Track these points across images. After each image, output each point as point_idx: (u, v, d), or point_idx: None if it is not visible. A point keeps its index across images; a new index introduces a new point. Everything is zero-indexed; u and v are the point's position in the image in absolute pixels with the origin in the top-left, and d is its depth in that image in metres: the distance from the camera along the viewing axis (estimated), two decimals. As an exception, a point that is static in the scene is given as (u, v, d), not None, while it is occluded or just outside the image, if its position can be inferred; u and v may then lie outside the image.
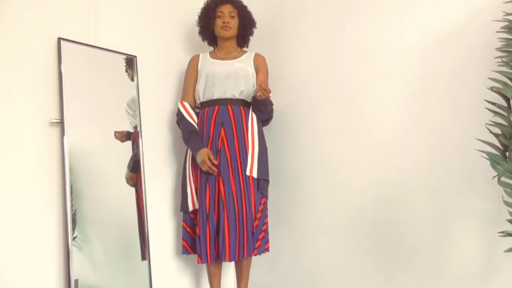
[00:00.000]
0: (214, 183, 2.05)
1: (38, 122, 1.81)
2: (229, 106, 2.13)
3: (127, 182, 2.06)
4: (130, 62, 2.16)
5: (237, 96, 2.15)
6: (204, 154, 2.02)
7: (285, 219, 2.35)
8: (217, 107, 2.12)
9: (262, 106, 2.12)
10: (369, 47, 2.07)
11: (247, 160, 2.08)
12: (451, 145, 1.81)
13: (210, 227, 2.03)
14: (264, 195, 2.14)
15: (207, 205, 2.04)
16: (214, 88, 2.13)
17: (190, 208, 2.10)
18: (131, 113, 2.11)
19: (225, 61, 2.21)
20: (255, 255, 2.07)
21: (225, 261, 2.01)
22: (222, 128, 2.10)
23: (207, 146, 2.08)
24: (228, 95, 2.13)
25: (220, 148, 2.08)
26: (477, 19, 1.74)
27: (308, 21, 2.31)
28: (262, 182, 2.12)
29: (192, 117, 2.14)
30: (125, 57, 2.13)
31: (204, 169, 2.02)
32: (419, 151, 1.90)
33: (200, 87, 2.16)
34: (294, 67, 2.36)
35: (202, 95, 2.16)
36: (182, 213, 2.15)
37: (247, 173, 2.07)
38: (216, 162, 2.03)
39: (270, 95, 2.13)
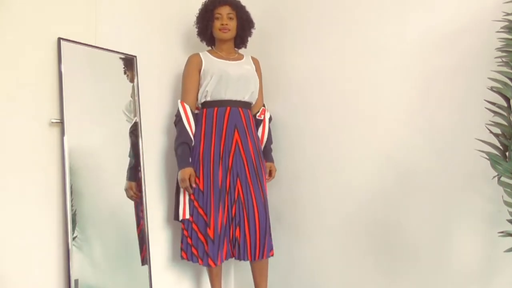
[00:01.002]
0: (235, 184, 2.06)
1: (38, 122, 1.81)
2: (239, 109, 2.13)
3: (127, 194, 2.04)
4: (130, 63, 2.15)
5: (246, 98, 2.16)
6: (187, 173, 2.01)
7: (285, 219, 2.36)
8: (228, 108, 2.11)
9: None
10: (368, 48, 2.07)
11: (264, 184, 2.15)
12: (451, 145, 1.81)
13: (222, 227, 2.02)
14: None
15: (220, 206, 2.03)
16: (227, 89, 2.11)
17: (181, 217, 2.07)
18: (126, 118, 2.11)
19: (233, 62, 2.20)
20: (272, 255, 2.11)
21: (246, 260, 2.05)
22: (236, 130, 2.10)
23: (220, 146, 2.07)
24: (239, 97, 2.13)
25: (235, 149, 2.08)
26: (477, 19, 1.74)
27: (306, 23, 2.31)
28: None
29: (190, 124, 2.08)
30: (125, 57, 2.13)
31: (181, 186, 2.03)
32: (419, 151, 1.90)
33: (210, 86, 2.10)
34: (293, 69, 2.36)
35: (210, 95, 2.12)
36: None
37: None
38: (194, 185, 2.03)
39: (265, 106, 2.32)
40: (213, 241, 2.00)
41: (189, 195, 2.07)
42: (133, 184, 2.07)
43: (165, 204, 2.30)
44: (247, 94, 2.16)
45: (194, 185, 2.03)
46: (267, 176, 2.23)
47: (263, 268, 2.13)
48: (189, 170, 2.01)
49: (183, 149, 2.05)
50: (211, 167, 2.05)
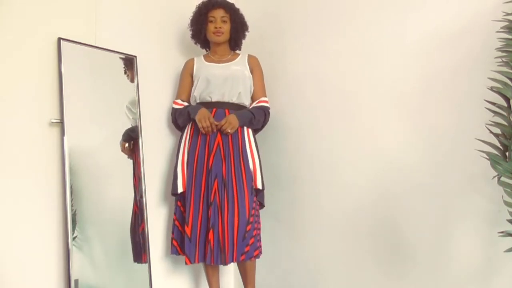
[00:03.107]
0: (212, 185, 2.03)
1: (38, 122, 1.81)
2: (226, 110, 2.12)
3: (121, 149, 2.07)
4: (130, 62, 2.16)
5: (234, 100, 2.15)
6: (204, 111, 2.06)
7: (285, 219, 2.35)
8: (214, 109, 2.11)
9: (251, 125, 2.16)
10: (368, 48, 2.07)
11: (249, 171, 2.07)
12: (451, 145, 1.81)
13: (201, 227, 2.02)
14: (262, 204, 2.15)
15: (200, 206, 2.03)
16: (213, 91, 2.12)
17: (180, 190, 2.06)
18: (130, 117, 2.11)
19: (222, 64, 2.21)
20: (243, 260, 2.00)
21: (224, 264, 1.98)
22: (219, 132, 2.08)
23: (205, 148, 2.07)
24: (226, 99, 2.13)
25: (216, 151, 2.07)
26: (477, 19, 1.74)
27: (307, 23, 2.31)
28: (260, 191, 2.12)
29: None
30: (125, 57, 2.13)
31: (203, 124, 2.02)
32: (419, 151, 1.90)
33: (197, 91, 2.14)
34: (293, 69, 2.36)
35: (199, 98, 2.15)
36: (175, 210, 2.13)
37: (257, 186, 2.08)
38: (215, 122, 2.03)
39: (266, 98, 2.21)
40: (190, 239, 2.01)
41: (181, 169, 2.08)
42: (126, 143, 2.08)
43: (166, 203, 2.30)
44: (234, 95, 2.14)
45: (215, 122, 2.04)
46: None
47: (248, 269, 2.10)
48: (204, 110, 2.06)
49: (190, 107, 2.13)
50: (194, 168, 2.06)
